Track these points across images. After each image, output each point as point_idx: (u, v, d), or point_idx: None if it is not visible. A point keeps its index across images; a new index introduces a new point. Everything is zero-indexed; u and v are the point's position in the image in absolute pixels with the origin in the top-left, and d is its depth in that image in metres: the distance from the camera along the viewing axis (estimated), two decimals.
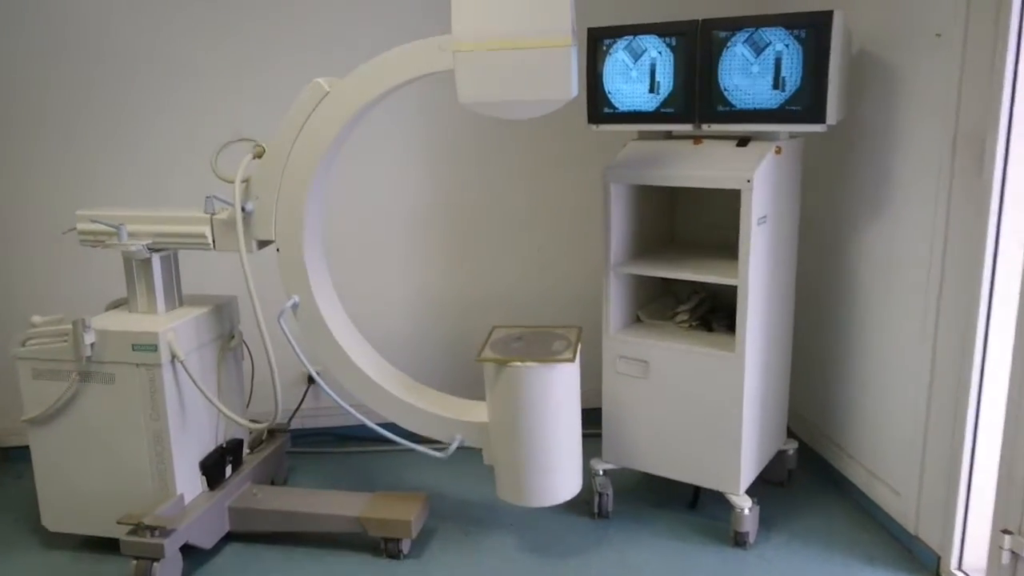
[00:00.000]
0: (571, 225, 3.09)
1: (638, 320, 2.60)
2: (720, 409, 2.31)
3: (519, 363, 2.09)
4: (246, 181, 2.18)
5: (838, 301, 2.60)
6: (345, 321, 2.36)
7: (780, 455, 2.63)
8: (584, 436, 2.32)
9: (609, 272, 2.44)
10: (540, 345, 2.20)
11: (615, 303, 2.47)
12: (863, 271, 2.45)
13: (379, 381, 2.28)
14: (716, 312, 2.62)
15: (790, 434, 2.71)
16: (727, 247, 2.62)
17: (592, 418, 2.55)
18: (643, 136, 2.51)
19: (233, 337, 2.48)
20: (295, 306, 2.24)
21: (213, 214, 2.23)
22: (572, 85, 1.94)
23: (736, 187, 2.17)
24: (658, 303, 2.68)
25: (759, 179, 2.15)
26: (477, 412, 2.28)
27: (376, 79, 2.03)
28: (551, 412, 2.14)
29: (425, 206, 3.02)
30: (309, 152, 2.11)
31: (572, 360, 2.09)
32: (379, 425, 2.30)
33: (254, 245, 2.23)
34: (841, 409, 2.64)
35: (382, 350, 3.09)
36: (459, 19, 1.93)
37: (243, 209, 2.16)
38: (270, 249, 2.28)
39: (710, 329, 2.49)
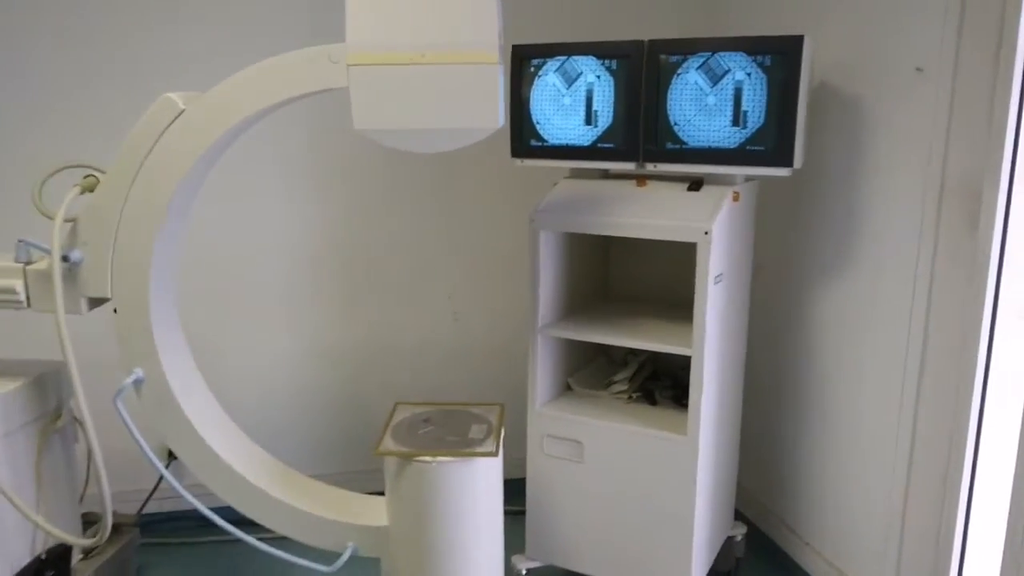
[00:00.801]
0: (488, 271, 2.68)
1: (568, 388, 2.21)
2: (668, 499, 1.94)
3: (429, 458, 1.66)
4: (71, 221, 1.67)
5: (795, 366, 2.28)
6: (206, 399, 1.86)
7: (728, 541, 2.29)
8: (504, 513, 1.88)
9: (536, 335, 2.04)
10: (454, 430, 1.78)
11: (542, 371, 2.08)
12: (826, 335, 2.15)
13: (249, 476, 1.80)
14: (658, 379, 2.26)
15: (737, 515, 2.37)
16: (671, 304, 2.27)
17: (515, 490, 2.14)
18: (576, 174, 2.14)
19: (60, 416, 1.95)
20: (138, 382, 1.73)
21: (27, 263, 1.71)
22: (500, 111, 1.54)
23: (691, 239, 1.82)
24: (591, 368, 2.30)
25: (717, 231, 1.81)
26: (374, 512, 1.83)
27: (246, 97, 1.57)
28: (467, 516, 1.72)
29: (316, 244, 2.55)
30: (158, 185, 1.63)
31: (495, 453, 1.67)
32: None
33: (83, 304, 1.72)
34: (797, 490, 2.32)
35: (262, 415, 2.60)
36: (355, 24, 1.50)
37: (65, 258, 1.65)
38: (107, 308, 1.77)
39: (653, 402, 2.12)
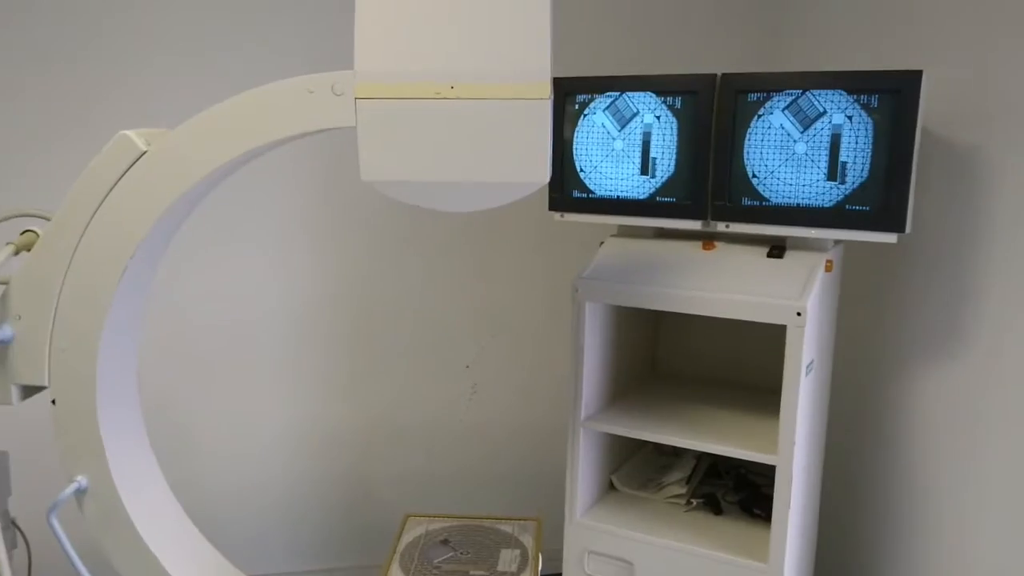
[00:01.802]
0: (512, 338, 2.32)
1: (611, 487, 1.84)
2: None
3: None
4: (3, 284, 1.32)
5: (886, 473, 1.90)
6: (171, 511, 1.50)
7: None
8: None
9: (578, 429, 1.68)
10: (479, 557, 1.41)
11: (584, 473, 1.70)
12: (929, 432, 1.77)
13: None
14: (719, 476, 1.89)
15: None
16: (732, 385, 1.91)
17: None
18: (625, 231, 1.79)
19: None
20: (79, 492, 1.36)
21: None
22: (548, 162, 1.20)
23: (779, 321, 1.46)
24: (636, 461, 1.93)
25: (812, 310, 1.45)
26: None
27: (225, 137, 1.23)
28: None
29: (316, 307, 2.20)
30: (111, 245, 1.28)
31: None
32: None
33: (13, 393, 1.36)
34: None
35: (249, 506, 2.22)
36: (366, 48, 1.17)
37: None
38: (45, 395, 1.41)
39: (718, 510, 1.75)
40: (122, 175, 1.25)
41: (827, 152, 1.50)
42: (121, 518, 1.37)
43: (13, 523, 1.65)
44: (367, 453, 2.30)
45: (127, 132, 1.25)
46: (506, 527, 1.50)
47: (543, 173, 1.19)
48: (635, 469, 1.89)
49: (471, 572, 1.35)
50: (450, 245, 2.24)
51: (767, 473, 1.83)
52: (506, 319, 2.30)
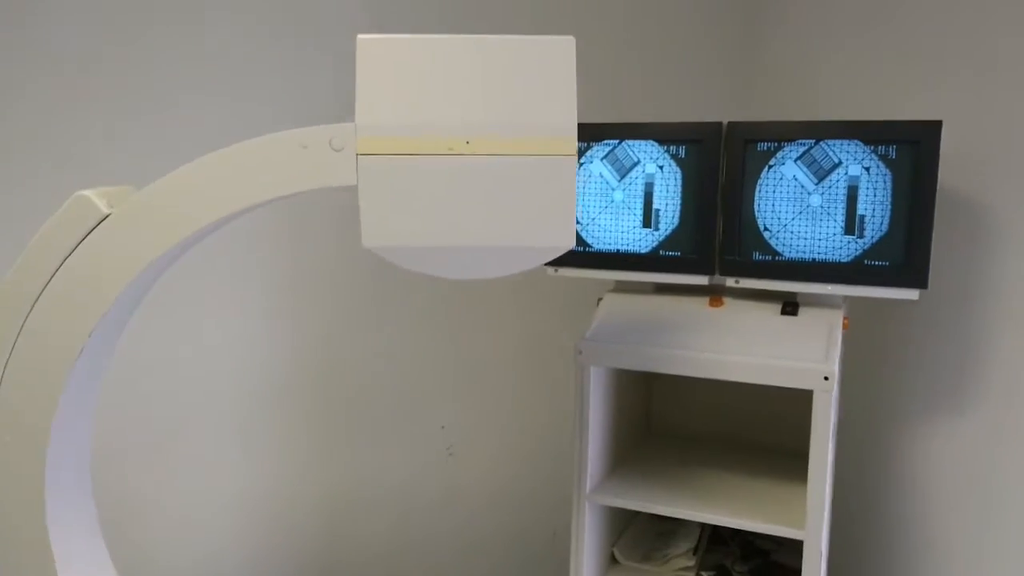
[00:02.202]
0: (490, 396, 2.18)
1: (613, 560, 1.71)
2: None
3: None
4: None
5: (894, 537, 1.82)
6: None
7: None
8: None
9: (583, 504, 1.55)
10: None
11: (589, 548, 1.57)
12: (943, 492, 1.70)
13: None
14: (724, 543, 1.78)
15: None
16: (736, 445, 1.81)
17: None
18: (622, 286, 1.68)
19: None
20: None
21: None
22: (573, 223, 1.08)
23: (805, 386, 1.37)
24: (635, 530, 1.81)
25: (838, 373, 1.36)
26: None
27: (203, 198, 1.07)
28: None
29: (271, 369, 2.02)
30: (67, 320, 1.10)
31: None
32: None
33: None
34: None
35: None
36: (369, 98, 1.04)
37: None
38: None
39: None
40: (80, 241, 1.08)
41: (844, 205, 1.43)
42: None
43: None
44: (328, 524, 2.11)
45: (85, 192, 1.08)
46: None
47: (568, 237, 1.07)
48: (635, 539, 1.77)
49: None
50: (426, 298, 2.09)
51: (775, 538, 1.73)
52: (481, 377, 2.16)
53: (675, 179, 1.53)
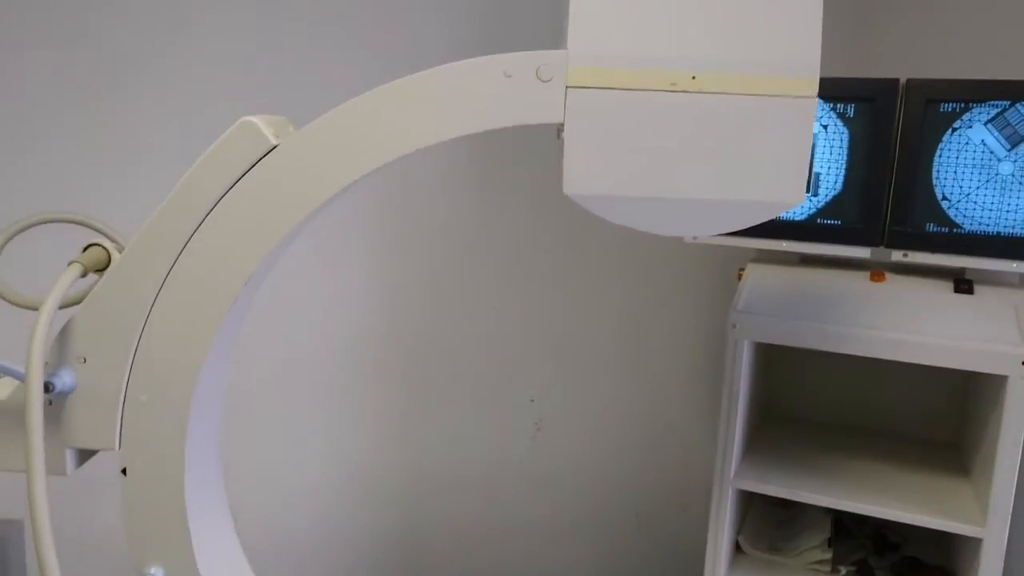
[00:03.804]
0: (584, 368, 2.06)
1: (737, 549, 1.60)
2: None
3: None
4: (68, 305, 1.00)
5: None
6: None
7: None
8: None
9: (726, 488, 1.43)
10: None
11: (727, 536, 1.46)
12: None
13: None
14: (850, 536, 1.67)
15: None
16: (862, 432, 1.70)
17: None
18: (764, 257, 1.56)
19: None
20: None
21: None
22: (806, 176, 0.95)
23: (998, 371, 1.25)
24: (754, 517, 1.70)
25: None
26: None
27: (387, 131, 0.94)
28: None
29: (363, 338, 1.89)
30: (222, 264, 0.97)
31: None
32: None
33: (68, 459, 1.03)
34: None
35: (284, 565, 1.90)
36: (583, 22, 0.90)
37: (51, 387, 0.97)
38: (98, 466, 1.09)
39: None
40: (242, 175, 0.95)
41: None
42: None
43: None
44: (412, 505, 1.99)
45: (251, 119, 0.94)
46: None
47: (800, 192, 0.94)
48: (757, 527, 1.66)
49: None
50: (520, 270, 1.96)
51: (913, 534, 1.62)
52: (576, 351, 2.04)
53: (840, 140, 1.40)
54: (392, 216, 1.86)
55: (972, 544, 1.35)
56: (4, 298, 1.03)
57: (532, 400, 2.05)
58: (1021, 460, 1.62)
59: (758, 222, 0.97)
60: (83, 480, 1.11)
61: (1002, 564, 1.28)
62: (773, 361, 1.80)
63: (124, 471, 1.02)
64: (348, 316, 1.87)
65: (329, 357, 1.87)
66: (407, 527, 1.98)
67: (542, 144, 1.89)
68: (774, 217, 0.96)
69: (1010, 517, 1.26)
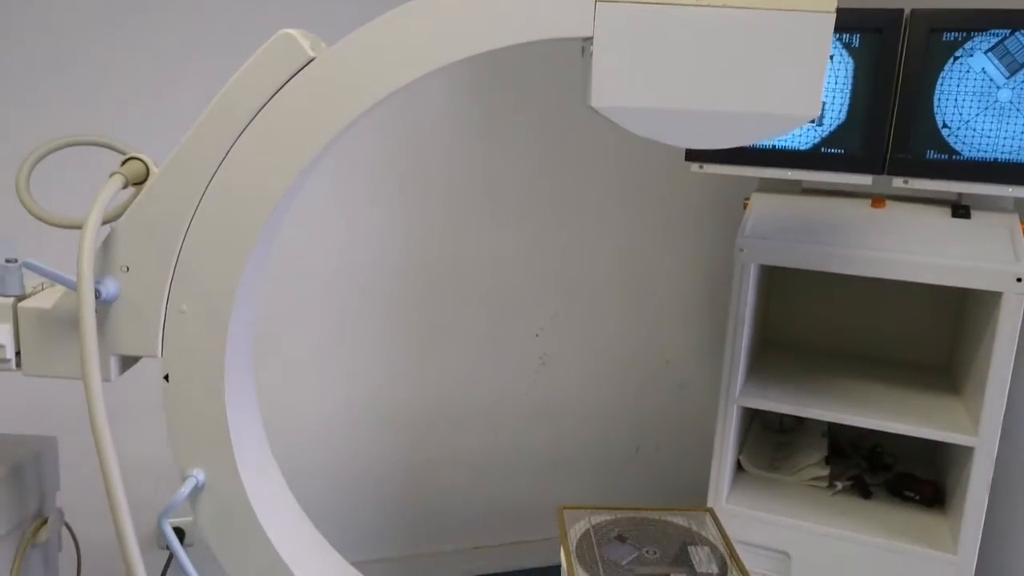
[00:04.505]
0: (589, 301, 2.11)
1: (739, 468, 1.68)
2: None
3: None
4: (109, 222, 1.03)
5: None
6: (292, 508, 1.24)
7: None
8: None
9: (731, 407, 1.50)
10: (669, 555, 1.21)
11: (731, 455, 1.53)
12: None
13: None
14: (845, 456, 1.75)
15: None
16: (860, 357, 1.77)
17: None
18: (767, 186, 1.61)
19: (45, 522, 1.28)
20: (197, 489, 1.09)
21: (19, 297, 1.06)
22: (822, 90, 1.00)
23: (993, 288, 1.31)
24: (752, 440, 1.77)
25: None
26: None
27: (420, 45, 0.97)
28: None
29: (375, 268, 1.93)
30: (262, 175, 1.00)
31: None
32: None
33: (112, 365, 1.07)
34: None
35: (298, 491, 1.95)
36: None
37: (98, 294, 1.00)
38: (142, 374, 1.13)
39: (866, 493, 1.61)
40: (281, 86, 0.98)
41: None
42: (245, 519, 1.11)
43: (66, 525, 1.36)
44: (420, 434, 2.05)
45: (290, 31, 0.97)
46: (679, 519, 1.31)
47: (815, 106, 0.99)
48: (757, 449, 1.73)
49: (671, 575, 1.16)
50: (527, 204, 2.00)
51: (903, 453, 1.71)
52: (581, 286, 2.09)
53: (846, 71, 1.44)
54: (399, 155, 1.88)
55: (962, 457, 1.42)
56: (44, 219, 1.05)
57: (537, 335, 2.10)
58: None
59: (774, 136, 1.02)
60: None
61: (992, 474, 1.35)
62: (772, 292, 1.86)
63: (166, 377, 1.06)
64: (358, 254, 1.90)
65: (340, 294, 1.91)
66: (417, 457, 2.04)
67: (547, 78, 1.93)
68: (790, 131, 1.01)
69: (1000, 429, 1.34)
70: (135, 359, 1.09)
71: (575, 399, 2.15)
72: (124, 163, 1.04)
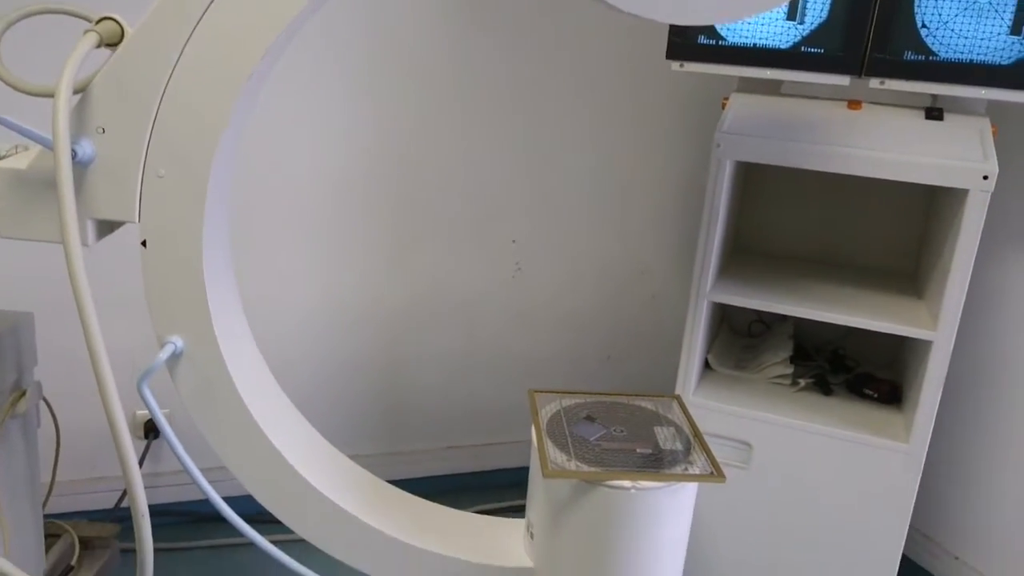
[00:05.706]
0: (565, 209, 2.12)
1: (707, 367, 1.73)
2: (871, 527, 1.50)
3: (628, 483, 1.14)
4: (81, 92, 1.02)
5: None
6: (266, 378, 1.27)
7: None
8: None
9: (702, 301, 1.53)
10: (636, 435, 1.26)
11: (700, 349, 1.58)
12: None
13: (335, 497, 1.22)
14: (808, 358, 1.80)
15: None
16: (827, 263, 1.81)
17: None
18: (744, 87, 1.61)
19: (23, 394, 1.30)
20: (174, 356, 1.11)
21: None
22: None
23: (961, 185, 1.34)
24: (721, 341, 1.82)
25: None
26: (507, 547, 1.29)
27: None
28: (654, 551, 1.21)
29: (353, 169, 1.92)
30: (242, 33, 0.99)
31: (724, 478, 1.17)
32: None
33: (89, 230, 1.07)
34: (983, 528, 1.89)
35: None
36: None
37: (74, 154, 1.00)
38: (121, 240, 1.14)
39: (827, 391, 1.67)
40: None
41: (1014, 5, 1.36)
42: (222, 386, 1.13)
43: (44, 400, 1.39)
44: (398, 335, 2.08)
45: None
46: (647, 404, 1.36)
47: None
48: (724, 350, 1.78)
49: (638, 450, 1.21)
50: (505, 108, 1.99)
51: (865, 357, 1.77)
52: (559, 186, 2.10)
53: None
54: (376, 54, 1.85)
55: (920, 352, 1.48)
56: (16, 87, 1.03)
57: (514, 241, 2.12)
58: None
59: (754, 13, 1.02)
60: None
61: (947, 368, 1.41)
62: (745, 201, 1.88)
63: (144, 243, 1.07)
64: (335, 153, 1.89)
65: (317, 192, 1.90)
66: (393, 357, 2.07)
67: None
68: (770, 9, 1.01)
69: (957, 324, 1.39)
70: (111, 225, 1.10)
71: (549, 306, 2.18)
72: (98, 22, 1.02)
